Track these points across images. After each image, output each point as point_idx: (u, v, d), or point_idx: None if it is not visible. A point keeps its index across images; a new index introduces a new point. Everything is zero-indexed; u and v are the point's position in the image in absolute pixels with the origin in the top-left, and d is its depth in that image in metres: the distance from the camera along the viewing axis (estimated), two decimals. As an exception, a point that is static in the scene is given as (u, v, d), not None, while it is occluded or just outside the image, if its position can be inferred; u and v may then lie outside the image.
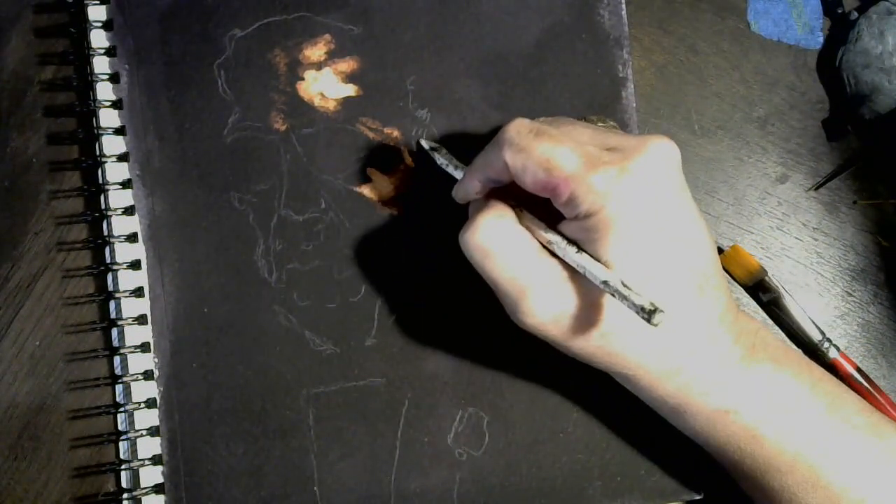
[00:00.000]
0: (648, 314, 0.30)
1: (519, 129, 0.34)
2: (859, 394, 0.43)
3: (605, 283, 0.32)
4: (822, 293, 0.45)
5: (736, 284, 0.45)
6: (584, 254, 0.33)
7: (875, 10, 0.45)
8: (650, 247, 0.33)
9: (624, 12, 0.44)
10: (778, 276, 0.45)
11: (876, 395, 0.43)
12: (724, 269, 0.45)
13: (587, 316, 0.34)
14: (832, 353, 0.43)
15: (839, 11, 0.47)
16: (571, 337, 0.34)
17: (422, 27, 0.43)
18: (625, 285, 0.31)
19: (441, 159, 0.40)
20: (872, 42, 0.44)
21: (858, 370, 0.43)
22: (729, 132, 0.46)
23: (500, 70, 0.43)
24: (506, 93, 0.43)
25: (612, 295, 0.31)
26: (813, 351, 0.44)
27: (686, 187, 0.35)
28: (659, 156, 0.34)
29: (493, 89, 0.43)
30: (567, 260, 0.34)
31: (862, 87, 0.45)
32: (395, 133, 0.42)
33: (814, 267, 0.45)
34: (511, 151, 0.34)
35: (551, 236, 0.34)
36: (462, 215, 0.37)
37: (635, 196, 0.33)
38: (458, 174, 0.39)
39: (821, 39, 0.47)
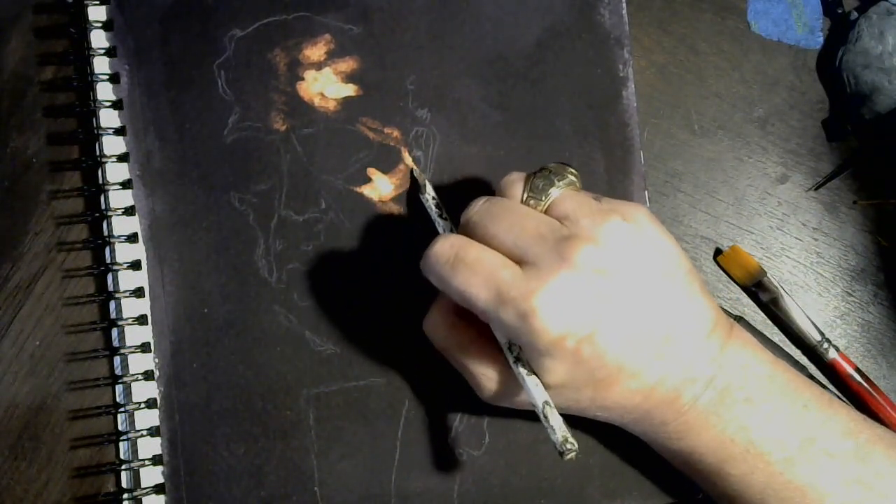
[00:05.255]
0: (560, 452, 0.33)
1: (438, 257, 0.35)
2: (858, 395, 0.43)
3: (534, 405, 0.34)
4: (822, 293, 0.45)
5: (735, 285, 0.45)
6: (520, 369, 0.35)
7: (875, 10, 0.45)
8: (575, 358, 0.33)
9: (624, 12, 0.44)
10: (778, 276, 0.45)
11: (875, 395, 0.43)
12: (724, 270, 0.45)
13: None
14: (831, 354, 0.43)
15: (839, 11, 0.47)
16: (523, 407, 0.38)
17: (422, 27, 0.43)
18: (546, 416, 0.34)
19: (428, 198, 0.41)
20: (872, 42, 0.44)
21: (857, 370, 0.43)
22: (729, 132, 0.46)
23: (500, 70, 0.43)
24: (506, 93, 0.43)
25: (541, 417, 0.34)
26: (812, 351, 0.44)
27: (633, 263, 0.34)
28: (582, 261, 0.33)
29: (493, 89, 0.43)
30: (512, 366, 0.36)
31: (862, 87, 0.45)
32: (395, 133, 0.42)
33: (814, 267, 0.45)
34: (434, 279, 0.36)
35: (500, 341, 0.36)
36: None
37: (543, 327, 0.32)
38: (438, 224, 0.40)
39: (821, 39, 0.47)
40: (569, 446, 0.33)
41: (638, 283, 0.34)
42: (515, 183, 0.37)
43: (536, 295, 0.32)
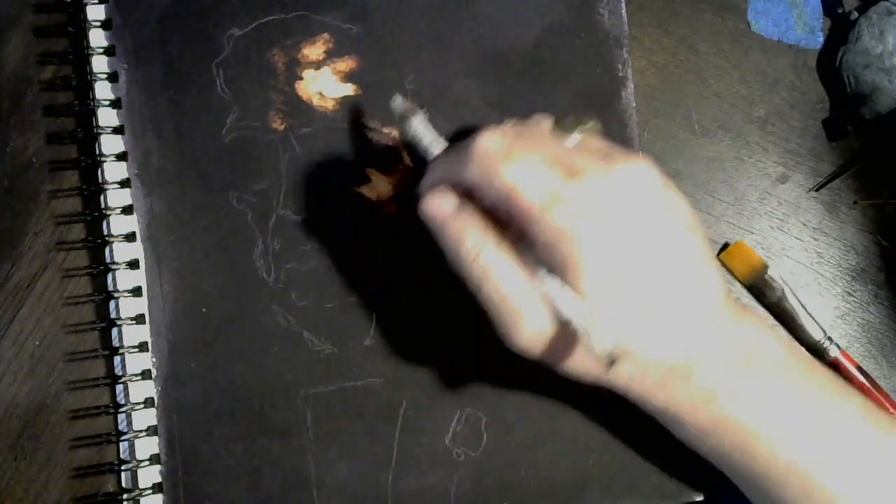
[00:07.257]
0: (607, 363, 0.30)
1: (488, 147, 0.33)
2: (861, 391, 0.43)
3: (569, 319, 0.32)
4: (822, 293, 0.45)
5: (738, 283, 0.45)
6: (550, 282, 0.32)
7: (875, 10, 0.45)
8: (615, 277, 0.32)
9: (624, 12, 0.44)
10: (778, 277, 0.45)
11: (877, 393, 0.43)
12: (726, 266, 0.45)
13: (570, 337, 0.33)
14: (833, 352, 0.43)
15: (839, 11, 0.47)
16: (562, 358, 0.35)
17: (421, 27, 0.43)
18: (586, 329, 0.31)
19: (415, 131, 0.37)
20: (872, 42, 0.44)
21: (859, 368, 0.43)
22: (729, 132, 0.46)
23: (500, 70, 0.43)
24: (505, 93, 0.43)
25: (576, 332, 0.31)
26: (814, 349, 0.44)
27: (665, 205, 0.34)
28: (625, 183, 0.33)
29: (493, 89, 0.43)
30: (541, 286, 0.33)
31: (862, 87, 0.45)
32: (395, 133, 0.42)
33: (814, 267, 0.45)
34: (477, 170, 0.33)
35: (528, 259, 0.33)
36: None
37: (593, 232, 0.32)
38: (433, 147, 0.37)
39: (821, 39, 0.47)
40: (614, 357, 0.30)
41: (676, 217, 0.34)
42: (544, 119, 0.37)
43: (596, 192, 0.32)
